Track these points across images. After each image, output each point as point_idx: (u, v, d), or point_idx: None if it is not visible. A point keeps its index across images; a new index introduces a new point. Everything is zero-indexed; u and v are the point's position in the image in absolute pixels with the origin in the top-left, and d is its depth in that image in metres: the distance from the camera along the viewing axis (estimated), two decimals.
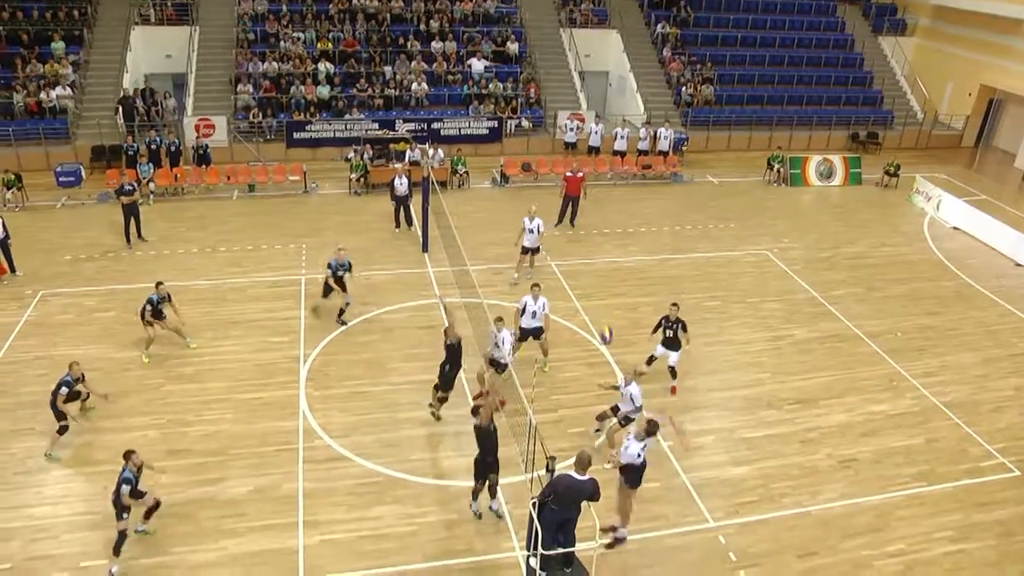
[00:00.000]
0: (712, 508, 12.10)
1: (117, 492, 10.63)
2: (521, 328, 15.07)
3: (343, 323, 16.71)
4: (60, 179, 23.73)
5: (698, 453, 13.29)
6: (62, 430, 12.80)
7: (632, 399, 12.85)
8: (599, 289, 18.80)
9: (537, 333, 15.18)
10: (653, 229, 22.93)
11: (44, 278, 18.47)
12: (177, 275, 18.69)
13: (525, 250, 18.37)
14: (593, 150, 27.56)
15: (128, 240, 20.37)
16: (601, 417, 13.37)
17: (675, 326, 14.53)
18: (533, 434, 11.43)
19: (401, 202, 21.61)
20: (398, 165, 24.98)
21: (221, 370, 15.06)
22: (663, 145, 27.62)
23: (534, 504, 9.87)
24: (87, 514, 11.49)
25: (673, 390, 14.74)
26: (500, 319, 14.16)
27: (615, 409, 13.14)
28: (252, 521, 11.49)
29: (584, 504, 9.95)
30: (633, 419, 12.70)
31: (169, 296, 15.47)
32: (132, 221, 20.33)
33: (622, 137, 27.23)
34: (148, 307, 15.19)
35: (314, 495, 12.01)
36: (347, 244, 20.71)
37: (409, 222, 22.01)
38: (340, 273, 16.71)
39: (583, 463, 9.91)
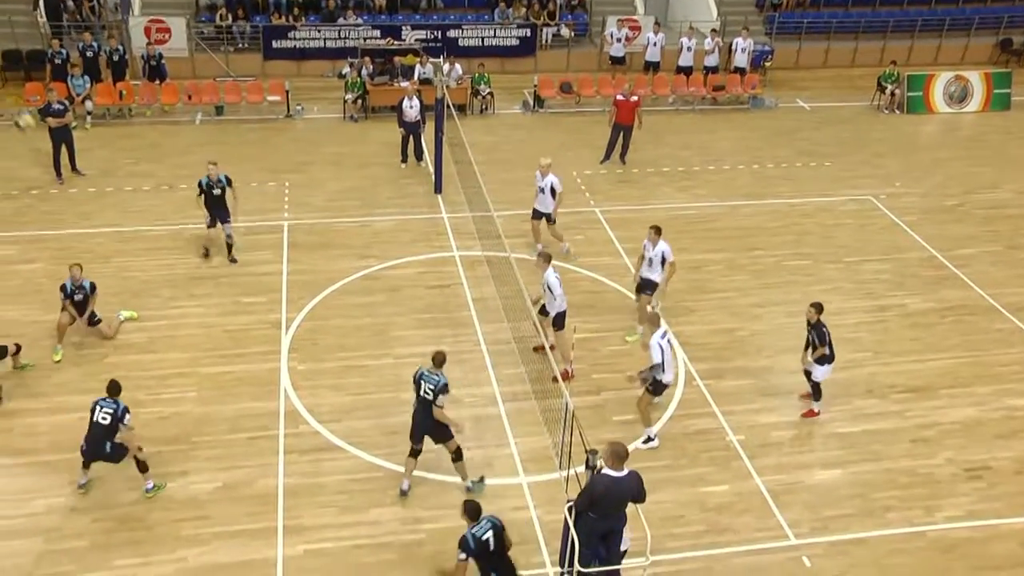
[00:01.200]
0: (794, 521, 11.97)
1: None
2: (641, 278, 15.38)
3: (233, 260, 17.25)
4: None
5: (776, 450, 13.16)
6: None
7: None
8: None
9: (651, 287, 15.25)
10: (725, 168, 22.60)
11: None
12: (124, 218, 18.74)
13: (537, 214, 17.96)
14: (650, 66, 27.12)
15: (59, 173, 20.37)
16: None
17: (811, 334, 13.67)
18: (570, 422, 11.36)
19: (411, 130, 21.42)
20: (405, 84, 24.72)
21: (181, 337, 15.08)
22: (740, 60, 27.12)
23: (570, 510, 9.79)
24: (3, 519, 11.47)
25: (809, 413, 14.03)
26: (544, 255, 14.27)
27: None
28: (218, 526, 11.49)
29: (631, 510, 9.88)
30: (661, 381, 12.78)
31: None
32: (63, 149, 20.28)
33: (688, 49, 26.80)
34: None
35: (298, 493, 12.02)
36: (343, 182, 20.75)
37: (419, 156, 21.86)
38: (217, 192, 16.89)
39: (619, 455, 9.81)
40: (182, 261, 17.28)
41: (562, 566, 10.23)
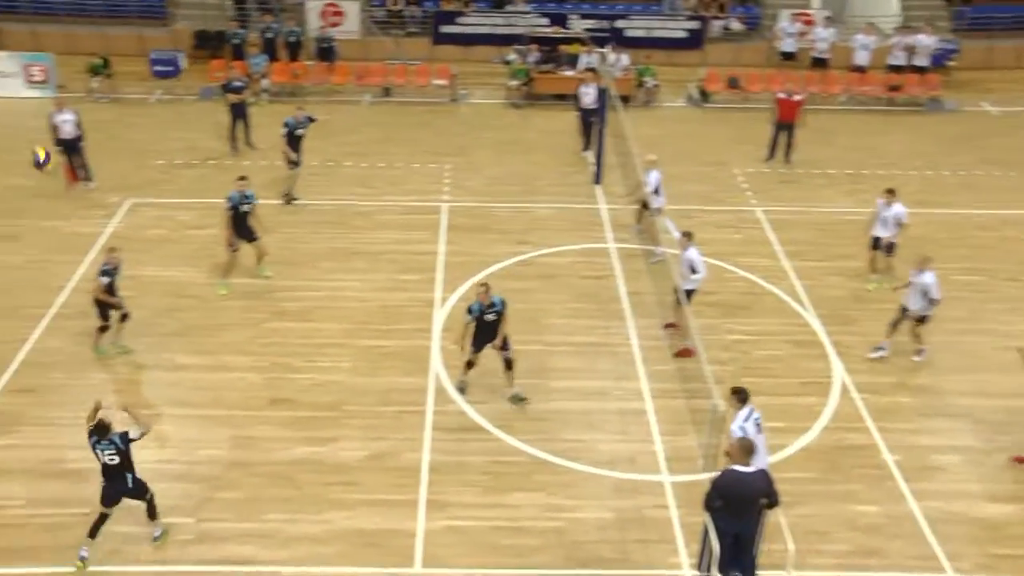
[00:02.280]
0: (955, 554, 11.32)
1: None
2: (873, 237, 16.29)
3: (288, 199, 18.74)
4: (155, 68, 25.25)
5: (938, 475, 12.54)
6: (103, 328, 14.14)
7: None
8: (815, 246, 18.09)
9: (889, 248, 16.14)
10: (896, 172, 21.66)
11: (133, 185, 19.79)
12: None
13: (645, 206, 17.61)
14: (818, 63, 26.22)
15: (234, 146, 21.47)
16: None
17: None
18: (718, 424, 11.22)
19: (588, 116, 21.39)
20: (570, 72, 24.88)
21: (339, 309, 15.63)
22: (920, 59, 25.90)
23: (707, 512, 9.71)
24: (172, 463, 12.27)
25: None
26: (686, 233, 14.57)
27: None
28: (365, 493, 11.89)
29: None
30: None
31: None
32: (239, 124, 21.37)
33: (864, 47, 25.82)
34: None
35: (441, 470, 12.31)
36: (502, 167, 21.03)
37: (587, 144, 21.79)
38: (245, 208, 15.76)
39: (747, 450, 9.61)
40: (343, 235, 17.89)
41: (699, 569, 10.15)
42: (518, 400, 13.46)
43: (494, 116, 24.54)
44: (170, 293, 15.80)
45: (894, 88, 25.81)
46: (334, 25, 27.29)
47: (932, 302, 14.20)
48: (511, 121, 24.26)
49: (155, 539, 11.01)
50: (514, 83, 25.10)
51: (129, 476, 10.62)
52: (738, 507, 9.59)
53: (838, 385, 14.18)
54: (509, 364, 13.39)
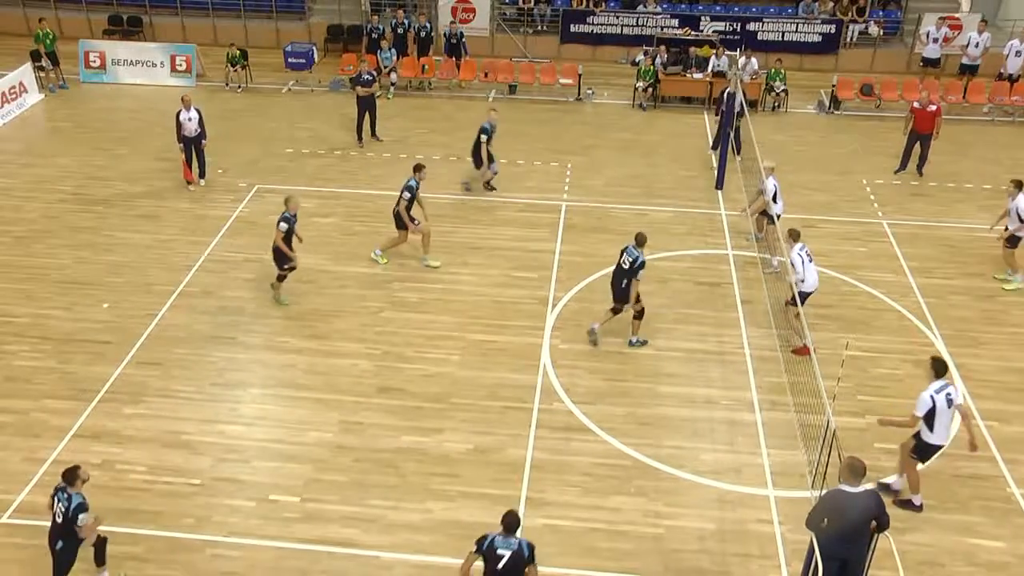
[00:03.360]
0: None
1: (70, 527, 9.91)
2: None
3: (491, 188, 19.21)
4: (289, 60, 26.05)
5: None
6: (281, 277, 15.24)
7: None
8: (945, 263, 17.35)
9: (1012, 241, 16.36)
10: None
11: (262, 171, 20.47)
12: None
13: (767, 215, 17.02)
14: (967, 70, 25.09)
15: (360, 138, 21.94)
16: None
17: None
18: (829, 441, 10.88)
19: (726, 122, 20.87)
20: (699, 76, 24.58)
21: (453, 302, 15.82)
22: None
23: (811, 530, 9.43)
24: (280, 442, 12.66)
25: None
26: (793, 232, 14.80)
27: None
28: (466, 485, 12.02)
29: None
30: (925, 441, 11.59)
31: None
32: (367, 116, 21.81)
33: (1018, 54, 24.48)
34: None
35: (544, 468, 12.33)
36: (624, 168, 20.93)
37: (737, 150, 21.29)
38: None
39: (856, 471, 9.31)
40: (461, 229, 18.08)
41: None
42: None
43: (619, 117, 24.40)
44: (290, 277, 16.24)
45: None
46: (464, 22, 27.63)
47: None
48: (635, 122, 24.09)
49: None
50: (641, 84, 24.90)
51: (61, 542, 9.84)
52: (844, 529, 9.28)
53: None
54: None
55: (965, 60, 25.16)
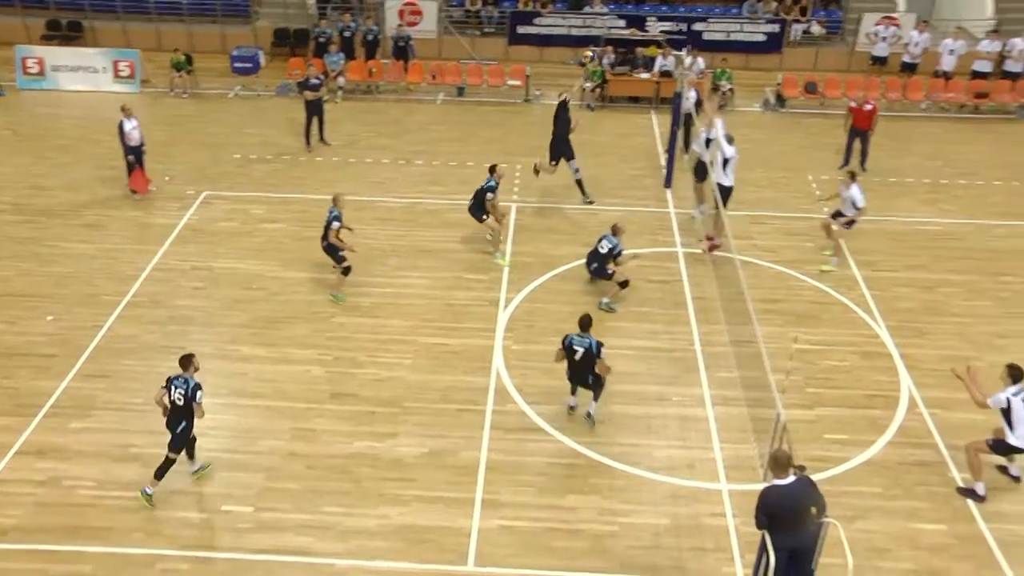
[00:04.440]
0: None
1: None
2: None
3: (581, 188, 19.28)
4: (235, 65, 25.84)
5: (1010, 497, 12.10)
6: (346, 271, 15.56)
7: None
8: (888, 256, 17.67)
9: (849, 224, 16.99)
10: (978, 183, 21.07)
11: (209, 178, 20.23)
12: (361, 188, 19.73)
13: (699, 171, 18.12)
14: (907, 68, 25.64)
15: (308, 142, 21.79)
16: None
17: None
18: (780, 434, 11.02)
19: (684, 123, 21.09)
20: (645, 75, 24.78)
21: (404, 306, 15.76)
22: (1014, 65, 25.11)
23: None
24: (232, 452, 12.49)
25: None
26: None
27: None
28: (421, 489, 11.98)
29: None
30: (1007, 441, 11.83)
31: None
32: (315, 120, 21.68)
33: (951, 52, 25.13)
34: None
35: (499, 469, 12.32)
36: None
37: (687, 147, 21.60)
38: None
39: (781, 463, 9.48)
40: (411, 233, 18.02)
41: None
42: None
43: None
44: (240, 285, 16.13)
45: (981, 95, 25.04)
46: (411, 24, 27.54)
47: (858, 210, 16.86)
48: (584, 123, 24.08)
49: (193, 472, 11.92)
50: (589, 85, 25.01)
51: (183, 423, 11.39)
52: (787, 521, 9.40)
53: (905, 399, 13.84)
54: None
55: (906, 58, 25.72)
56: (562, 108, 18.89)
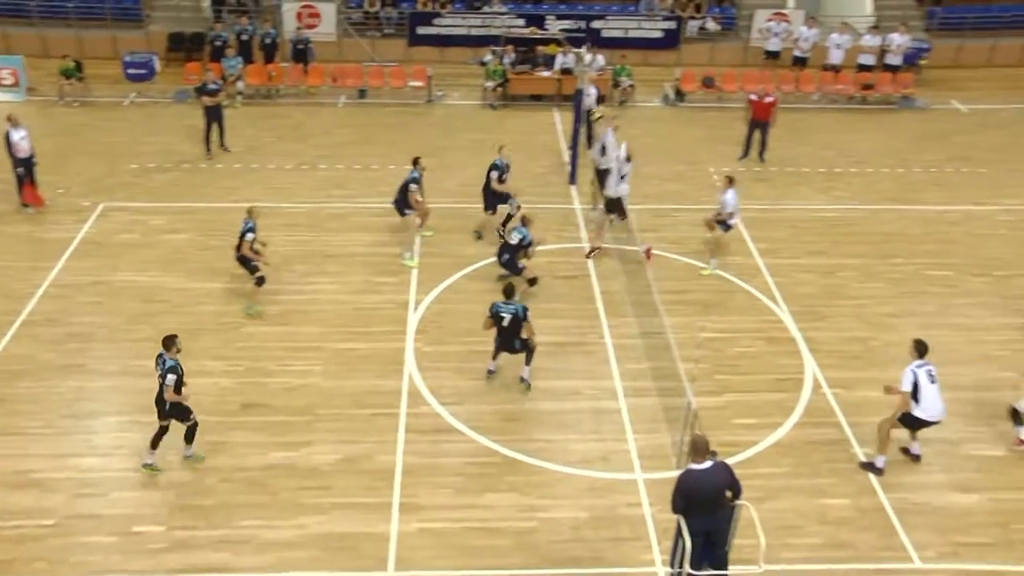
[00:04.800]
0: (921, 544, 11.46)
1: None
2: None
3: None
4: (129, 71, 25.11)
5: (906, 468, 12.62)
6: (260, 281, 15.22)
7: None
8: (789, 244, 18.19)
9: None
10: (868, 170, 21.85)
11: (106, 188, 19.64)
12: (265, 194, 19.44)
13: (601, 175, 18.08)
14: (799, 62, 26.43)
15: (208, 149, 21.32)
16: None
17: None
18: (691, 421, 11.24)
19: (586, 120, 21.15)
20: (547, 73, 24.96)
21: (314, 312, 15.58)
22: (893, 58, 26.10)
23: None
24: (142, 471, 12.16)
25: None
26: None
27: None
28: (338, 496, 11.86)
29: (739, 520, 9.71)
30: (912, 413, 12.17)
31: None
32: (214, 126, 21.25)
33: (838, 46, 25.99)
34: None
35: (415, 472, 12.28)
36: (478, 168, 20.83)
37: (590, 144, 21.76)
38: (506, 177, 17.67)
39: (699, 448, 9.71)
40: (318, 239, 17.83)
41: (672, 566, 10.16)
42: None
43: (470, 117, 24.53)
44: (142, 298, 15.71)
45: (867, 87, 25.96)
46: (310, 27, 27.17)
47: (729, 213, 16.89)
48: (487, 122, 24.25)
49: (185, 457, 12.19)
50: (490, 84, 25.09)
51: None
52: (704, 505, 9.61)
53: (810, 380, 14.26)
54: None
55: (797, 53, 26.48)
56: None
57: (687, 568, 9.56)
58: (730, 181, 17.14)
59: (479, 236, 18.00)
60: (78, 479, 11.99)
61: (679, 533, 9.75)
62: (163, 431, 11.90)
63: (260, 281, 15.37)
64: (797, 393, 13.97)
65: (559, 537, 11.40)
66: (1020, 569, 11.22)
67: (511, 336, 13.59)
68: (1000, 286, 17.03)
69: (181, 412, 11.91)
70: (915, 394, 11.98)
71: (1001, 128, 24.74)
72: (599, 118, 18.20)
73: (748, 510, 9.78)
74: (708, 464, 9.67)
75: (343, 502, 11.77)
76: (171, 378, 11.47)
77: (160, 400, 11.76)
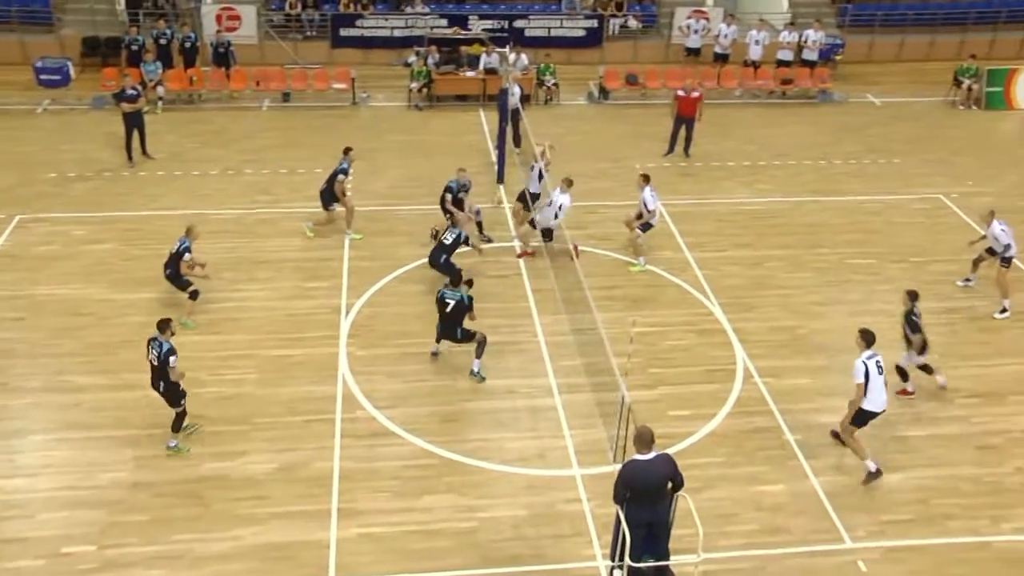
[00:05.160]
0: (851, 525, 11.76)
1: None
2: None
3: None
4: (41, 77, 24.45)
5: (834, 451, 12.92)
6: (194, 295, 14.97)
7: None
8: (716, 237, 18.45)
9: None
10: (791, 163, 22.28)
11: (22, 199, 19.04)
12: (190, 201, 19.11)
13: (522, 197, 17.95)
14: (719, 58, 26.84)
15: (130, 156, 20.83)
16: None
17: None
18: (626, 415, 11.33)
19: (512, 119, 21.16)
20: (471, 73, 24.97)
21: (244, 320, 15.34)
22: (810, 54, 26.69)
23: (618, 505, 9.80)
24: (71, 489, 11.85)
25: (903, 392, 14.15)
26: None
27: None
28: (275, 506, 11.69)
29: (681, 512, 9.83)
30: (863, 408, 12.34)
31: None
32: (135, 133, 20.75)
33: (757, 43, 26.50)
34: None
35: (352, 477, 12.17)
36: (406, 170, 20.99)
37: (517, 143, 21.80)
38: (461, 196, 17.44)
39: (644, 439, 9.80)
40: (246, 245, 17.56)
41: (613, 559, 10.24)
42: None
43: (396, 119, 24.40)
44: (66, 312, 15.28)
45: (786, 82, 26.49)
46: (230, 30, 26.74)
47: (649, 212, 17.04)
48: (413, 123, 24.15)
49: (168, 447, 12.37)
50: (415, 85, 25.00)
51: (161, 383, 12.13)
52: (646, 495, 9.71)
53: (741, 371, 14.50)
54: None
55: (718, 49, 26.90)
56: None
57: (628, 560, 9.64)
58: (646, 179, 17.28)
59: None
60: (2, 501, 11.60)
61: (618, 526, 9.83)
62: (181, 416, 12.38)
63: (194, 295, 15.09)
64: (729, 384, 14.19)
65: (499, 536, 11.40)
66: (939, 542, 11.60)
67: (453, 324, 13.79)
68: (917, 272, 17.51)
69: (174, 396, 12.19)
70: (865, 387, 12.12)
71: (913, 120, 25.50)
72: (546, 150, 18.18)
73: (685, 500, 9.90)
74: (652, 455, 9.76)
75: (280, 511, 11.61)
76: (173, 360, 11.93)
77: (156, 384, 12.15)
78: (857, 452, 12.48)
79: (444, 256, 15.83)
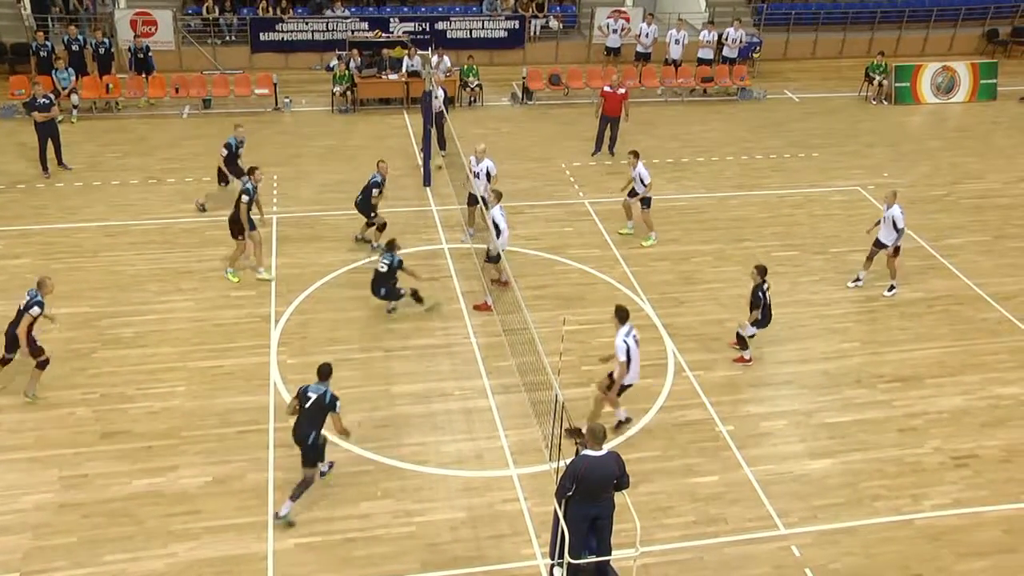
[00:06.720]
0: (784, 511, 12.01)
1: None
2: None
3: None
4: None
5: (766, 440, 13.20)
6: (42, 364, 13.37)
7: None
8: (644, 233, 18.58)
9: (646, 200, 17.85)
10: (714, 159, 22.63)
11: None
12: (111, 213, 18.63)
13: (472, 200, 17.95)
14: (641, 57, 27.13)
15: (45, 168, 20.23)
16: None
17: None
18: (560, 414, 11.36)
19: (436, 121, 21.02)
20: (394, 77, 24.83)
21: (171, 332, 15.01)
22: (730, 52, 27.14)
23: (559, 501, 9.81)
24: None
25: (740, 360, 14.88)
26: (495, 192, 16.26)
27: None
28: (210, 520, 11.47)
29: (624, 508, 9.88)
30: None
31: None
32: (49, 143, 20.13)
33: (677, 42, 26.83)
34: None
35: (288, 488, 11.90)
36: (331, 175, 20.73)
37: (442, 145, 21.68)
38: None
39: (597, 436, 9.87)
40: (170, 255, 17.18)
41: (552, 557, 10.25)
42: None
43: (320, 123, 24.13)
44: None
45: (706, 80, 26.90)
46: (146, 35, 26.11)
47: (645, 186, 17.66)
48: (337, 128, 23.92)
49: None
50: (338, 89, 24.76)
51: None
52: (592, 491, 9.75)
53: (672, 365, 14.66)
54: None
55: (639, 48, 27.16)
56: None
57: (567, 557, 9.66)
58: (636, 156, 17.81)
59: (203, 207, 18.80)
60: None
61: (557, 523, 9.85)
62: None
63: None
64: (662, 379, 14.36)
65: (439, 539, 11.35)
66: (868, 523, 11.91)
67: (377, 284, 14.94)
68: (837, 262, 17.94)
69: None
70: (627, 364, 12.57)
71: (829, 114, 26.13)
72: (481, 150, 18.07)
73: (622, 495, 9.96)
74: (603, 452, 9.82)
75: (215, 525, 11.38)
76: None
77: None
78: (613, 404, 13.01)
79: (384, 288, 15.24)
